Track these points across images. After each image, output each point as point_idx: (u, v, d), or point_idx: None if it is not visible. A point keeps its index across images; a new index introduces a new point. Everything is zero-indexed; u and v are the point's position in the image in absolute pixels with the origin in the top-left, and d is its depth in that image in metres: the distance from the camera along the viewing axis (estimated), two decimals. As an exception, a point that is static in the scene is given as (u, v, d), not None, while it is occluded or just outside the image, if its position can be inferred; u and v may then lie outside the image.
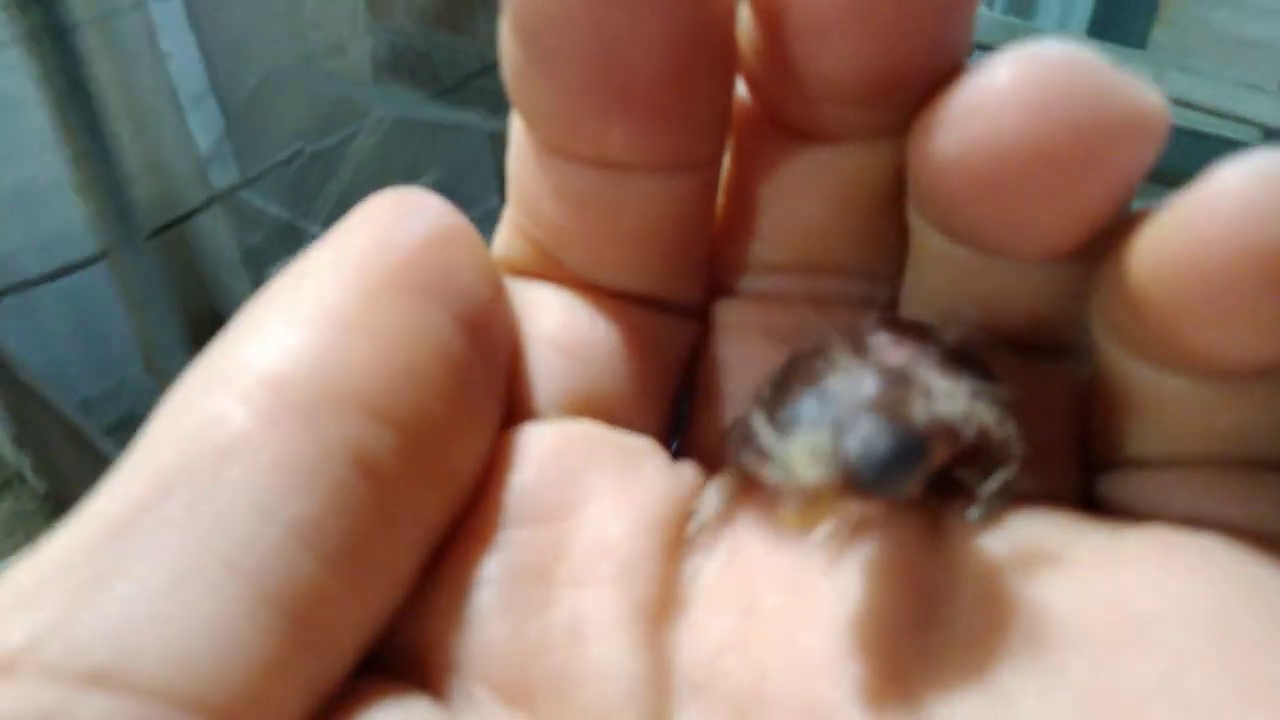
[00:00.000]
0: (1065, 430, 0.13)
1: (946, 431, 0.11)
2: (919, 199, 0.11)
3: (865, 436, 0.10)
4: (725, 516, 0.12)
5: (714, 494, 0.12)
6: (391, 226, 0.11)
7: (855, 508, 0.10)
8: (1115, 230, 0.11)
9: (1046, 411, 0.12)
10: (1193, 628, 0.10)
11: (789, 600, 0.12)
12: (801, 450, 0.10)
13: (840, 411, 0.10)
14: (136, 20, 0.82)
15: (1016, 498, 0.11)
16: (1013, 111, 0.10)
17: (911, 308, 0.12)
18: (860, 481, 0.10)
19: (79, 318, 0.89)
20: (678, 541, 0.12)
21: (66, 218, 0.85)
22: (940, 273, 0.12)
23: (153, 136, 0.88)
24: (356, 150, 0.84)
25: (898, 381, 0.11)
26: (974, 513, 0.11)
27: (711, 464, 0.13)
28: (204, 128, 0.94)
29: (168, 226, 0.84)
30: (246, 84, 0.93)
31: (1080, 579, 0.11)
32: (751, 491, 0.12)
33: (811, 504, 0.10)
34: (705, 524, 0.12)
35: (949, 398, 0.11)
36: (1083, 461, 0.13)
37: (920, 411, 0.10)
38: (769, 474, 0.10)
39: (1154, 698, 0.10)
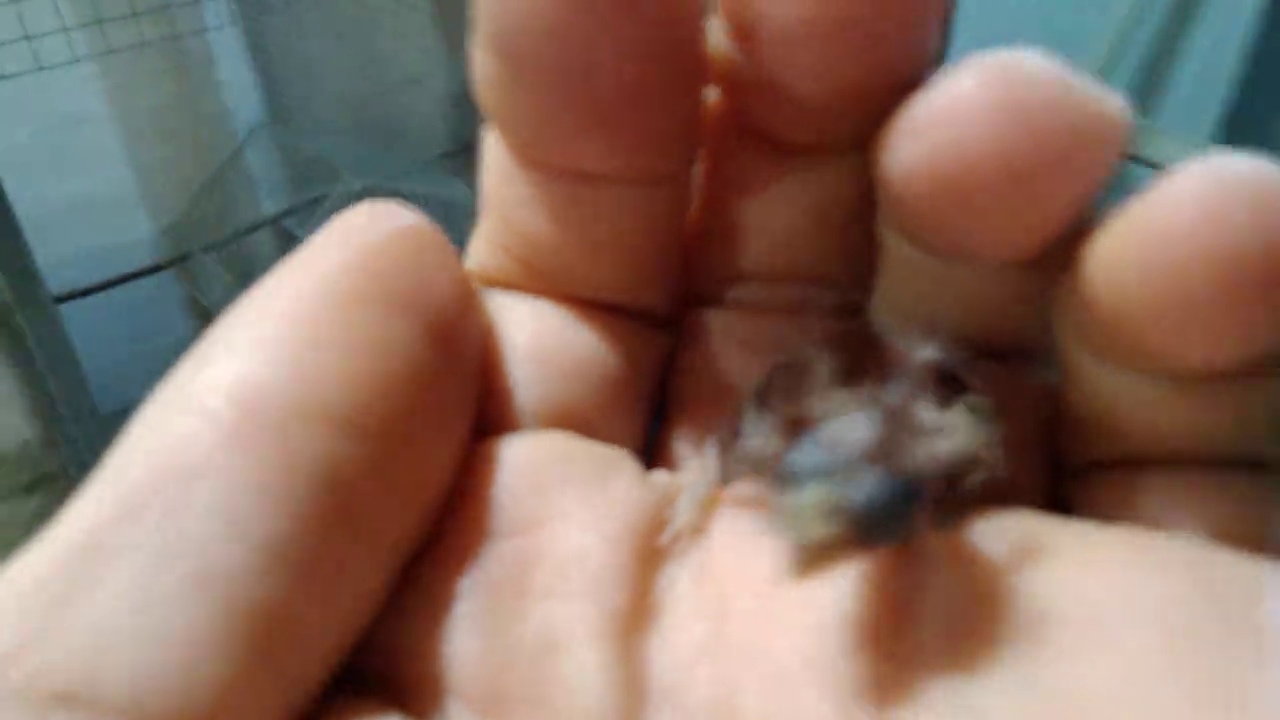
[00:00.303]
0: (1035, 434, 0.13)
1: (944, 467, 0.11)
2: (886, 207, 0.11)
3: (870, 490, 0.10)
4: (698, 525, 0.12)
5: (687, 503, 0.12)
6: (362, 240, 0.11)
7: (860, 555, 0.10)
8: (1078, 234, 0.11)
9: (1016, 416, 0.12)
10: (1155, 630, 0.10)
11: (761, 607, 0.12)
12: (808, 507, 0.10)
13: (841, 462, 0.10)
14: (198, 45, 0.85)
15: (985, 501, 0.12)
16: (973, 119, 0.10)
17: (882, 315, 0.13)
18: (868, 534, 0.10)
19: (138, 324, 0.91)
20: (651, 551, 0.12)
21: (127, 228, 0.88)
22: (909, 280, 0.12)
23: (208, 160, 0.91)
24: (412, 187, 0.85)
25: (893, 421, 0.11)
26: (944, 520, 0.12)
27: (683, 470, 0.13)
28: (260, 155, 0.96)
29: (219, 245, 0.87)
30: (313, 114, 0.95)
31: (1048, 581, 0.11)
32: (724, 499, 0.12)
33: (817, 556, 0.10)
34: (678, 533, 0.12)
35: (946, 434, 0.11)
36: (1052, 464, 0.13)
37: (918, 454, 0.11)
38: (774, 528, 0.10)
39: (1115, 700, 0.10)
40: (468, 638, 0.11)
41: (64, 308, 0.76)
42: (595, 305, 0.13)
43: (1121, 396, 0.11)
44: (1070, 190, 0.10)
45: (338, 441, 0.10)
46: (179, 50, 0.82)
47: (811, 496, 0.10)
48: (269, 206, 0.96)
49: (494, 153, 0.12)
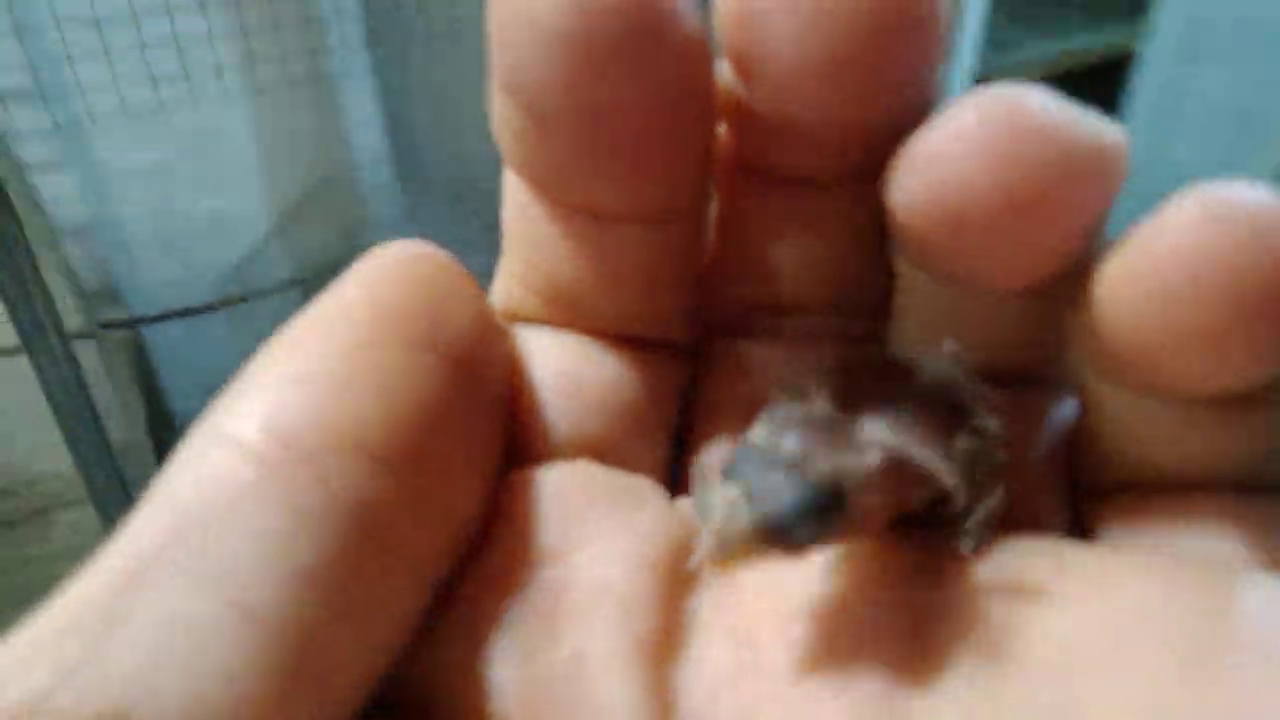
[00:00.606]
0: (1052, 458, 0.13)
1: (861, 473, 0.11)
2: (897, 239, 0.12)
3: (777, 492, 0.11)
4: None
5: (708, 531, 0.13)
6: (388, 278, 0.12)
7: (773, 554, 0.11)
8: (1087, 261, 0.11)
9: (1033, 441, 0.13)
10: (1167, 653, 0.10)
11: (783, 632, 0.12)
12: (718, 503, 0.11)
13: (761, 465, 0.11)
14: (338, 87, 0.89)
15: (1005, 526, 0.12)
16: (973, 154, 0.10)
17: (897, 342, 0.13)
18: (775, 535, 0.11)
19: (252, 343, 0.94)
20: (678, 577, 0.12)
21: (258, 247, 0.92)
22: (923, 308, 0.12)
23: (339, 189, 0.94)
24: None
25: (824, 430, 0.11)
26: (964, 544, 0.12)
27: None
28: (376, 196, 0.98)
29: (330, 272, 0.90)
30: (431, 160, 0.97)
31: (1064, 605, 0.11)
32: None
33: (730, 550, 0.11)
34: (704, 559, 0.12)
35: (869, 448, 0.11)
36: (1070, 488, 0.13)
37: (830, 464, 0.11)
38: (697, 520, 0.11)
39: None
40: (500, 665, 0.11)
41: (193, 320, 0.80)
42: (617, 337, 0.13)
43: (1135, 421, 0.12)
44: (1071, 222, 0.11)
45: (370, 472, 0.11)
46: (320, 89, 0.86)
47: (723, 493, 0.11)
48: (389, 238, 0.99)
49: (513, 190, 0.13)
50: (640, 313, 0.13)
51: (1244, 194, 0.10)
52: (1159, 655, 0.10)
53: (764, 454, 0.11)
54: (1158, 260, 0.10)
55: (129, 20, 0.67)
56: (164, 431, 0.87)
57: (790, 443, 0.11)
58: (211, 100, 0.76)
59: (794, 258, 0.13)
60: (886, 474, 0.11)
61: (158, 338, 0.88)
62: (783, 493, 0.11)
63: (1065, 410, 0.13)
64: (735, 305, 0.14)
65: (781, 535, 0.11)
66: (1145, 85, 0.76)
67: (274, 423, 0.11)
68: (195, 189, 0.86)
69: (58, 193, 0.80)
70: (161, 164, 0.83)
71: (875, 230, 0.12)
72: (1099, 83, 0.94)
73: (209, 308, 0.86)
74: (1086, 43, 1.11)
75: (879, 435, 0.11)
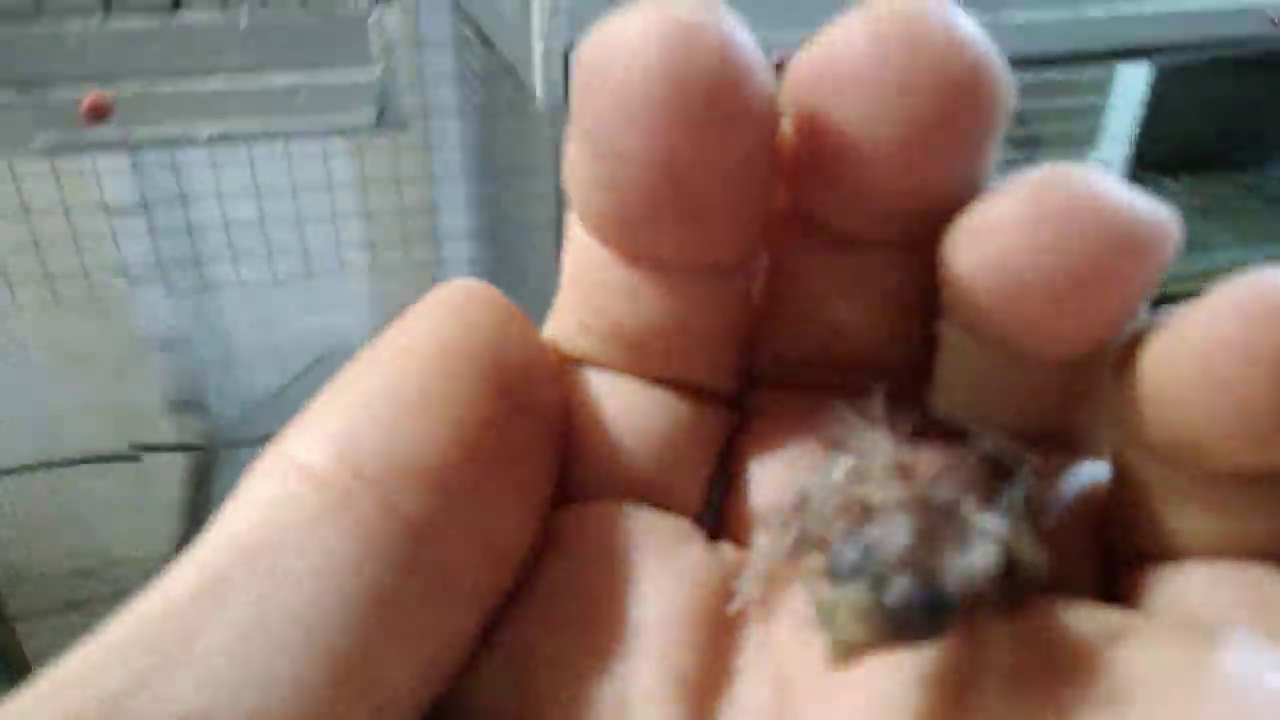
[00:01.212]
0: (1085, 525, 0.13)
1: (989, 573, 0.11)
2: (949, 304, 0.12)
3: (899, 597, 0.11)
4: (764, 597, 0.13)
5: (752, 575, 0.13)
6: (451, 314, 0.12)
7: (893, 652, 0.11)
8: (1133, 336, 0.11)
9: (1066, 507, 0.13)
10: None
11: (822, 677, 0.12)
12: (841, 608, 0.11)
13: (877, 566, 0.11)
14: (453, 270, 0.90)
15: (1039, 591, 0.12)
16: (1023, 230, 0.11)
17: (940, 403, 0.13)
18: (897, 636, 0.11)
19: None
20: (720, 620, 0.13)
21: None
22: (966, 371, 0.13)
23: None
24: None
25: (933, 525, 0.11)
26: (1003, 606, 0.12)
27: (747, 545, 0.13)
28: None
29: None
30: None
31: (1093, 672, 0.11)
32: (788, 573, 0.13)
33: (851, 651, 0.11)
34: (744, 603, 0.13)
35: (984, 543, 0.11)
36: (1102, 555, 0.13)
37: (953, 566, 0.11)
38: (815, 622, 0.11)
39: None
40: (546, 700, 0.12)
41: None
42: (669, 382, 0.14)
43: (1169, 491, 0.12)
44: (1119, 297, 0.11)
45: (431, 499, 0.11)
46: (437, 270, 0.87)
47: (845, 598, 0.11)
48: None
49: (578, 236, 0.13)
50: (695, 360, 0.14)
51: None
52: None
53: (874, 550, 0.11)
54: (1206, 343, 0.11)
55: (254, 195, 0.69)
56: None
57: (899, 537, 0.11)
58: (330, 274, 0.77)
59: (839, 315, 0.13)
60: (985, 572, 0.11)
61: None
62: (917, 600, 0.11)
63: (1100, 475, 0.13)
64: (781, 358, 0.14)
65: (906, 639, 0.11)
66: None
67: (341, 449, 0.11)
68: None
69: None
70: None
71: (921, 292, 0.13)
72: None
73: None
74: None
75: (989, 527, 0.11)
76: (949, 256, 0.12)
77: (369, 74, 0.54)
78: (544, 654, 0.12)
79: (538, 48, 0.55)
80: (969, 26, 0.11)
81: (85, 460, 0.88)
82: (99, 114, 0.50)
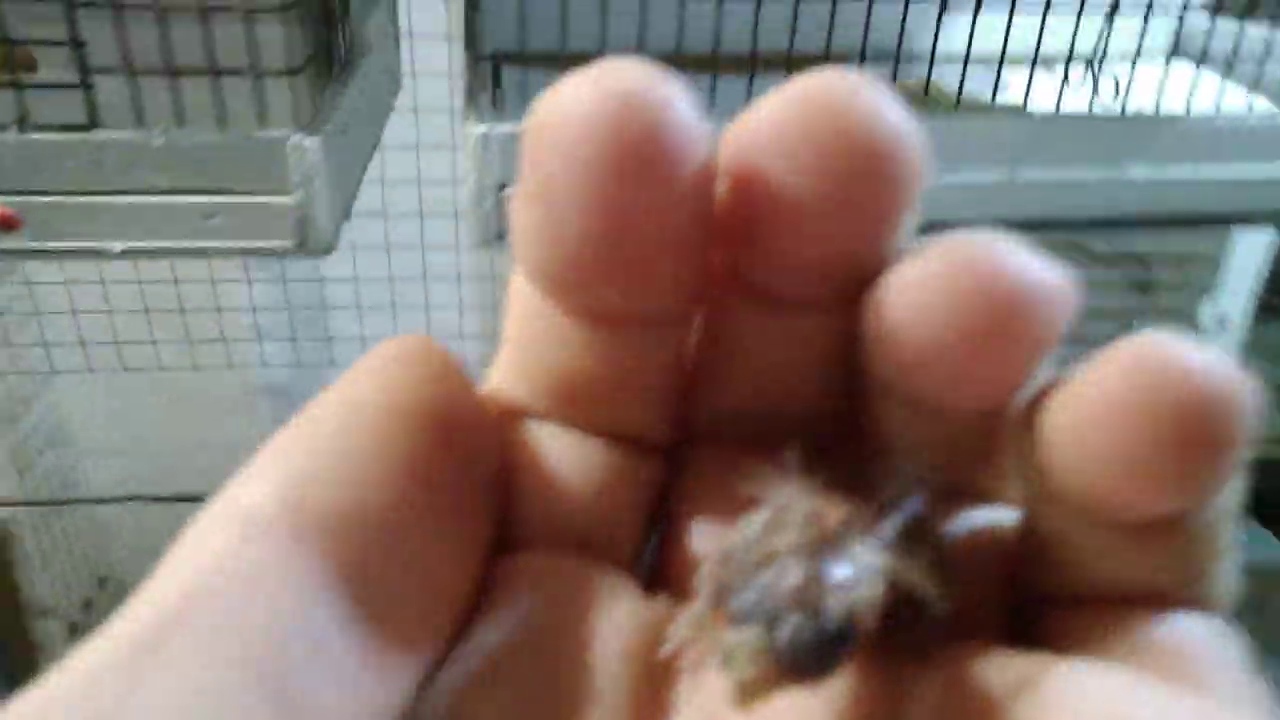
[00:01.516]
0: (996, 569, 0.14)
1: (872, 604, 0.12)
2: (866, 362, 0.13)
3: (792, 635, 0.11)
4: (696, 643, 0.13)
5: (684, 622, 0.13)
6: (392, 368, 0.13)
7: (794, 688, 0.11)
8: (1033, 391, 0.12)
9: (977, 552, 0.14)
10: None
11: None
12: (739, 649, 0.11)
13: (770, 606, 0.11)
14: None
15: (945, 635, 0.12)
16: (926, 292, 0.12)
17: (865, 451, 0.14)
18: (794, 673, 0.11)
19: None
20: (655, 666, 0.13)
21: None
22: (887, 422, 0.14)
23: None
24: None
25: (825, 564, 0.12)
26: (913, 651, 0.13)
27: (678, 593, 0.14)
28: None
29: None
30: None
31: (985, 705, 0.12)
32: (719, 619, 0.13)
33: (752, 690, 0.11)
34: (677, 649, 0.13)
35: (865, 575, 0.12)
36: (1009, 600, 0.14)
37: (840, 600, 0.11)
38: (718, 665, 0.12)
39: None
40: None
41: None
42: (606, 433, 0.14)
43: (1074, 538, 0.13)
44: (1016, 355, 0.12)
45: (372, 548, 0.11)
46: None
47: (741, 640, 0.11)
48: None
49: (521, 292, 0.14)
50: (630, 410, 0.14)
51: (1177, 350, 0.11)
52: None
53: (772, 588, 0.11)
54: (1096, 400, 0.11)
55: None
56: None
57: (793, 574, 0.12)
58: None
59: (770, 370, 0.14)
60: (877, 601, 0.12)
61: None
62: (805, 636, 0.11)
63: (1008, 521, 0.14)
64: (713, 411, 0.15)
65: (805, 676, 0.11)
66: None
67: (285, 499, 0.11)
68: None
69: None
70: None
71: (847, 349, 0.13)
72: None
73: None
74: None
75: (879, 562, 0.12)
76: (868, 315, 0.12)
77: (288, 199, 0.52)
78: (482, 701, 0.12)
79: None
80: (891, 104, 0.12)
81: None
82: (8, 225, 0.50)
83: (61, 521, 1.65)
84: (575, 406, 0.14)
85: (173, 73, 0.49)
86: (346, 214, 0.56)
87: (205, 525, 0.11)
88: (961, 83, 0.58)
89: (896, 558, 0.12)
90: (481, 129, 0.51)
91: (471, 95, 0.50)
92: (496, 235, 0.53)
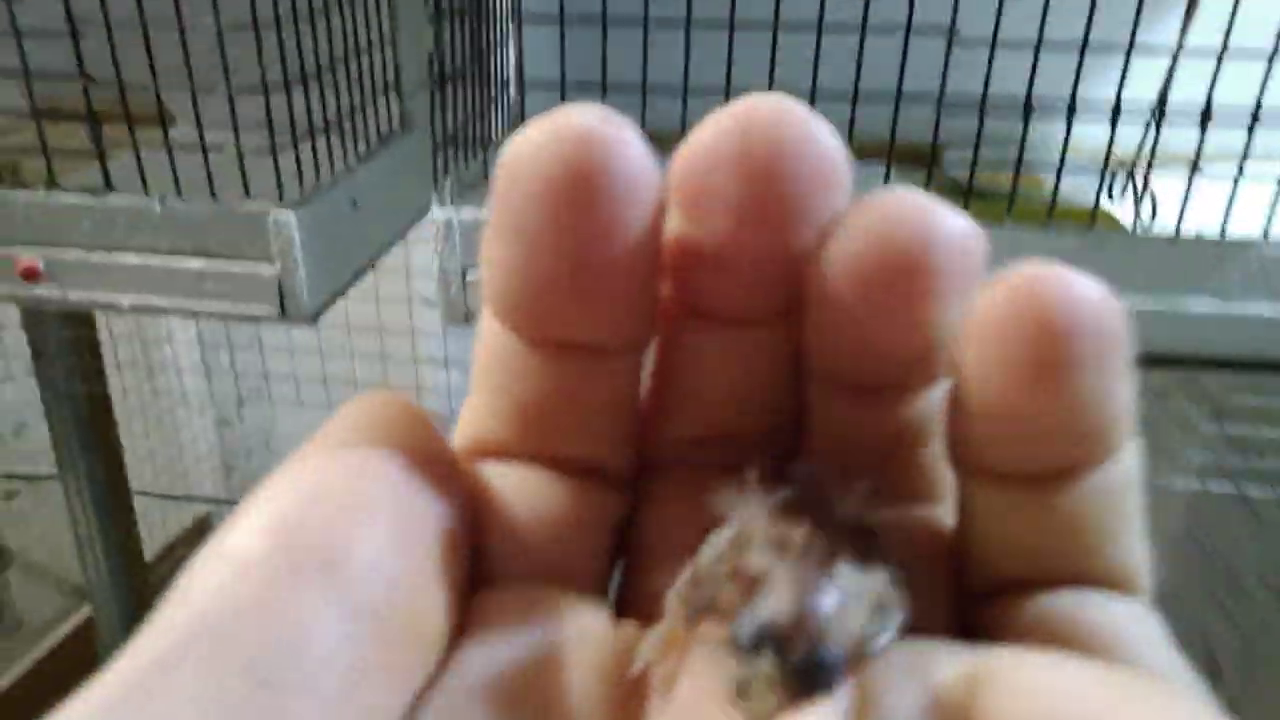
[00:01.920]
0: (940, 569, 0.15)
1: (867, 627, 0.12)
2: (808, 359, 0.14)
3: (805, 661, 0.12)
4: (664, 662, 0.13)
5: (652, 643, 0.13)
6: (365, 420, 0.14)
7: (799, 708, 0.12)
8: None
9: (924, 554, 0.14)
10: None
11: None
12: (757, 680, 0.12)
13: (778, 635, 0.12)
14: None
15: (905, 632, 0.13)
16: (850, 257, 0.13)
17: (814, 464, 0.14)
18: (804, 696, 0.12)
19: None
20: (626, 686, 0.13)
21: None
22: (837, 424, 0.14)
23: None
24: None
25: (813, 588, 0.12)
26: (872, 650, 0.13)
27: (646, 619, 0.14)
28: None
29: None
30: None
31: (948, 703, 0.12)
32: (686, 640, 0.13)
33: (767, 717, 0.12)
34: (646, 669, 0.13)
35: (858, 603, 0.12)
36: (955, 596, 0.15)
37: (842, 625, 0.12)
38: (728, 696, 0.12)
39: None
40: None
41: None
42: (569, 464, 0.15)
43: (995, 512, 0.14)
44: (937, 310, 0.13)
45: (358, 579, 0.12)
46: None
47: (756, 670, 0.12)
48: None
49: (491, 333, 0.14)
50: (591, 437, 0.15)
51: (1046, 275, 0.12)
52: None
53: (770, 622, 0.12)
54: (978, 337, 0.12)
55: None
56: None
57: (785, 600, 0.12)
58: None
59: (723, 389, 0.15)
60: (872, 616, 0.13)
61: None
62: (815, 664, 0.12)
63: (947, 520, 0.15)
64: (672, 439, 0.15)
65: (811, 697, 0.12)
66: None
67: (278, 542, 0.12)
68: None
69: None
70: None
71: (790, 365, 0.14)
72: None
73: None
74: None
75: (862, 583, 0.13)
76: (807, 303, 0.13)
77: (269, 269, 0.54)
78: None
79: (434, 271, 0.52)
80: (822, 123, 0.13)
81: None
82: (31, 276, 0.55)
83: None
84: (541, 439, 0.15)
85: (196, 147, 0.52)
86: (340, 287, 0.57)
87: (202, 565, 0.12)
88: (1056, 191, 0.52)
89: (872, 574, 0.13)
90: (445, 215, 0.50)
91: (435, 182, 0.50)
92: (464, 317, 0.53)
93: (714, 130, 0.13)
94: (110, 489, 0.95)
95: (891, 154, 0.52)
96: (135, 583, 0.95)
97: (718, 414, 0.15)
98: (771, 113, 0.12)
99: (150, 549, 1.54)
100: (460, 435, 0.15)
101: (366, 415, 0.14)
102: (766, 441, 0.15)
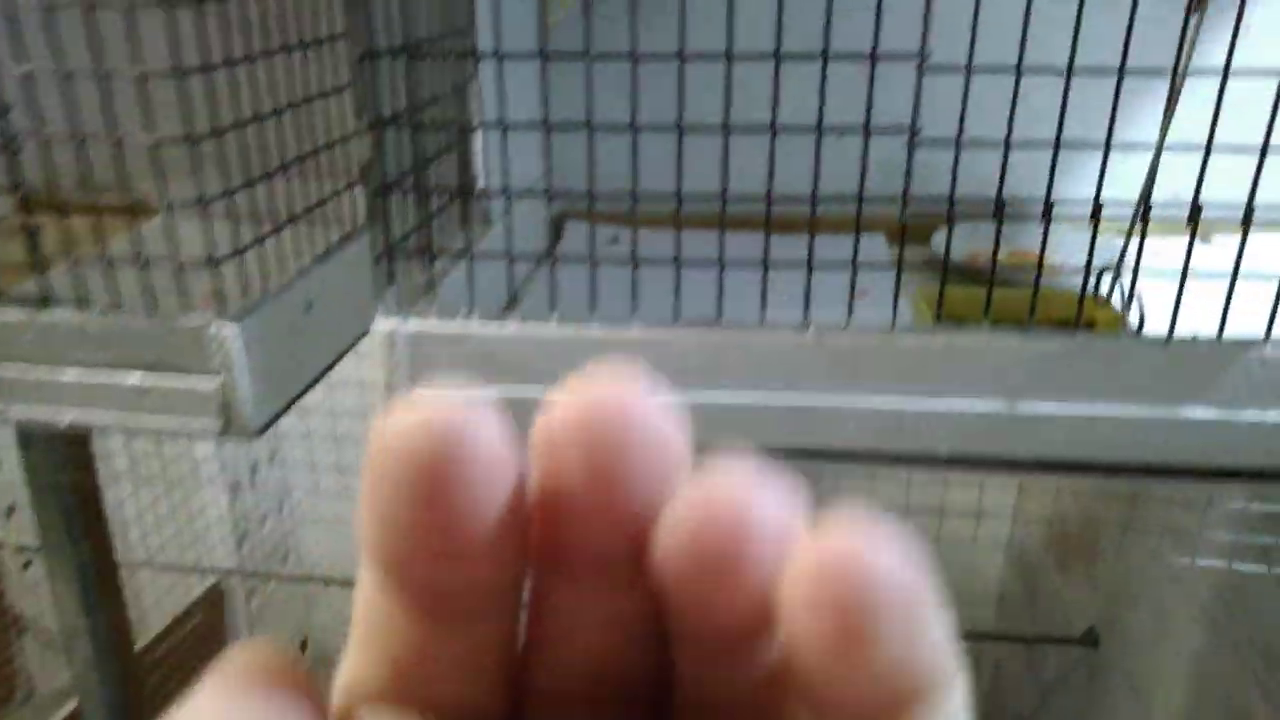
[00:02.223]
0: None
1: None
2: (666, 618, 0.15)
3: None
4: None
5: None
6: (238, 673, 0.14)
7: None
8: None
9: None
10: None
11: None
12: None
13: None
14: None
15: None
16: (679, 528, 0.13)
17: (686, 707, 0.15)
18: None
19: None
20: None
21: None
22: (703, 681, 0.15)
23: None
24: None
25: None
26: None
27: None
28: None
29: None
30: None
31: None
32: None
33: None
34: None
35: None
36: None
37: None
38: None
39: None
40: None
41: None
42: (450, 714, 0.15)
43: None
44: (748, 584, 0.13)
45: None
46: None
47: None
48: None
49: (366, 584, 0.15)
50: (467, 690, 0.15)
51: (846, 549, 0.12)
52: None
53: None
54: (788, 606, 0.13)
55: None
56: None
57: None
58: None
59: (592, 643, 0.15)
60: None
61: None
62: None
63: None
64: (543, 682, 0.16)
65: None
66: None
67: None
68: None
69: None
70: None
71: (651, 621, 0.15)
72: None
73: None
74: None
75: None
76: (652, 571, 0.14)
77: (210, 383, 0.51)
78: None
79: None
80: (660, 401, 0.14)
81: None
82: (-31, 393, 0.53)
83: (270, 585, 1.77)
84: (413, 688, 0.15)
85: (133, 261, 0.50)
86: (287, 400, 0.55)
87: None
88: (1082, 292, 0.49)
89: None
90: (388, 325, 0.48)
91: (376, 292, 0.48)
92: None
93: (565, 405, 0.14)
94: (98, 574, 0.93)
95: (859, 228, 0.49)
96: (125, 675, 0.92)
97: (584, 663, 0.15)
98: (616, 395, 0.14)
99: (159, 619, 1.52)
100: (339, 679, 0.16)
101: (241, 664, 0.14)
102: (637, 687, 0.16)
